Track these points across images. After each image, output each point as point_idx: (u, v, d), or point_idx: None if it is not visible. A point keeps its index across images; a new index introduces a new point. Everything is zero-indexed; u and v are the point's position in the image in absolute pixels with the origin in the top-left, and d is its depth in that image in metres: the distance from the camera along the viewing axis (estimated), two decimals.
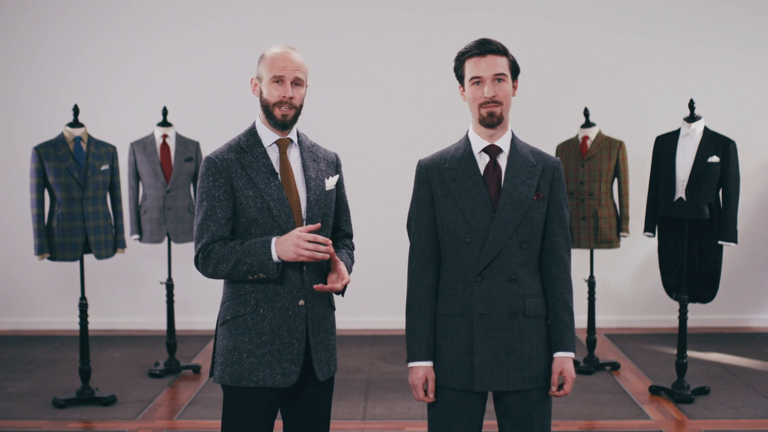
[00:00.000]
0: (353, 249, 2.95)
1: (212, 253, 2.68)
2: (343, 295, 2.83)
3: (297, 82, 2.73)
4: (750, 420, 4.78)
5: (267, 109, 2.74)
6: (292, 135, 2.80)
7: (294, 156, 2.80)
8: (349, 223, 2.95)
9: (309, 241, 2.60)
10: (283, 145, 2.78)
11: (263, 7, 6.99)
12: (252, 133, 2.79)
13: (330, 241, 2.64)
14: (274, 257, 2.62)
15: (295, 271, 2.71)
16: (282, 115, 2.73)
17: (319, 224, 2.67)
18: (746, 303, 7.09)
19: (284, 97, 2.71)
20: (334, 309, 2.87)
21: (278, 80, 2.71)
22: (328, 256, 2.64)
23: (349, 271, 2.83)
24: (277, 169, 2.75)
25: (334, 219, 2.87)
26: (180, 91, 6.93)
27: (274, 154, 2.77)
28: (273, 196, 2.70)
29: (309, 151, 2.83)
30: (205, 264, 2.70)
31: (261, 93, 2.76)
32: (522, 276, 2.69)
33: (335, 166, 2.88)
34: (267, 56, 2.74)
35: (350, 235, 2.96)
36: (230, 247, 2.66)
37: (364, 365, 5.94)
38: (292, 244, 2.60)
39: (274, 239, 2.64)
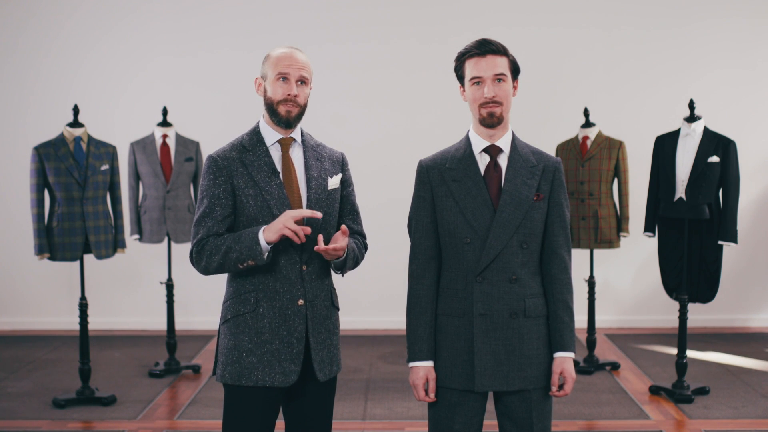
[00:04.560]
0: (365, 249, 2.92)
1: (206, 247, 2.69)
2: (343, 275, 2.82)
3: (302, 81, 2.74)
4: (750, 420, 4.78)
5: (271, 107, 2.75)
6: (296, 134, 2.80)
7: (297, 155, 2.80)
8: (358, 221, 2.91)
9: (296, 222, 2.60)
10: (285, 144, 2.78)
11: (263, 7, 6.98)
12: (255, 133, 2.79)
13: (324, 244, 2.65)
14: (262, 242, 2.62)
15: (294, 271, 2.71)
16: (286, 112, 2.73)
17: (320, 214, 2.66)
18: (746, 303, 7.09)
19: (289, 94, 2.72)
20: (337, 309, 2.87)
21: (283, 77, 2.72)
22: (305, 239, 2.63)
23: (355, 261, 2.82)
24: (278, 168, 2.75)
25: (339, 217, 2.86)
26: (180, 91, 6.93)
27: (276, 153, 2.77)
28: (273, 195, 2.70)
29: (313, 151, 2.82)
30: (198, 258, 2.71)
31: (265, 92, 2.77)
32: (522, 276, 2.69)
33: (340, 165, 2.87)
34: (272, 55, 2.76)
35: (360, 233, 2.92)
36: (222, 239, 2.68)
37: (364, 365, 5.94)
38: (279, 223, 2.60)
39: (263, 226, 2.65)
